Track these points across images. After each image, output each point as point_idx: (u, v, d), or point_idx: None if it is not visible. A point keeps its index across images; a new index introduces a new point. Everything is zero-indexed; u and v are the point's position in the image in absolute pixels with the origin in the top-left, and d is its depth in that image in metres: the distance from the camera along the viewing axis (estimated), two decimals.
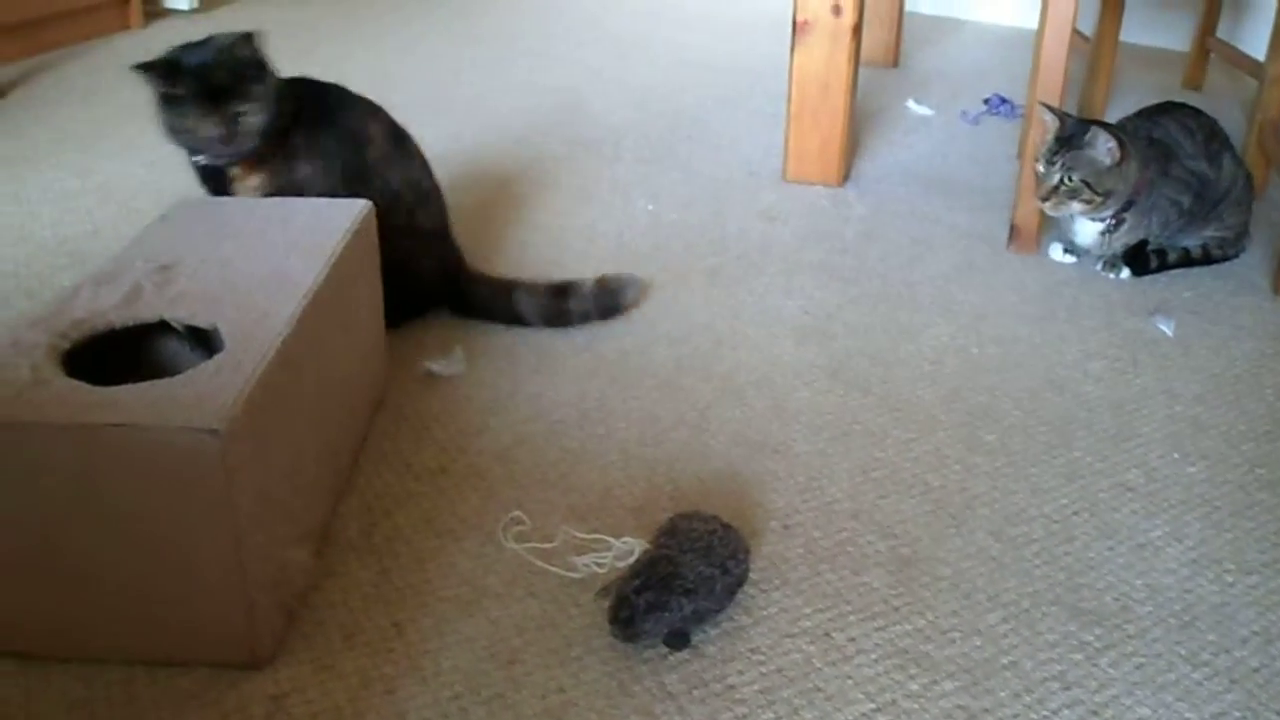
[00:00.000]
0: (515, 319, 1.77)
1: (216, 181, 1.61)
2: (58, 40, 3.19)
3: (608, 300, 1.78)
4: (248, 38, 1.55)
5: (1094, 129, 1.87)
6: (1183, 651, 1.17)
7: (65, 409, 1.03)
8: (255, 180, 1.60)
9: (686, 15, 3.73)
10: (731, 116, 2.77)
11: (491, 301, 1.78)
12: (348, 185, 1.62)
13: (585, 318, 1.77)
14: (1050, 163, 1.90)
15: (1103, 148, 1.86)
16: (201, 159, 1.58)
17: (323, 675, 1.12)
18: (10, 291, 1.83)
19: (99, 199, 2.21)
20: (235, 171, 1.59)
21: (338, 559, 1.27)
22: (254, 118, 1.54)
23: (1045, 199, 1.91)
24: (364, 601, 1.21)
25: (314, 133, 1.63)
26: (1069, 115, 1.93)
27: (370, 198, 1.53)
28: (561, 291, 1.76)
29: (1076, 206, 1.90)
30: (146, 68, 1.52)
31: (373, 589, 1.23)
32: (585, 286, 1.76)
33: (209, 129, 1.52)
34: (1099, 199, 1.88)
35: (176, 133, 1.55)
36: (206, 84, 1.51)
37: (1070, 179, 1.87)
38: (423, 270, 1.74)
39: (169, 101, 1.53)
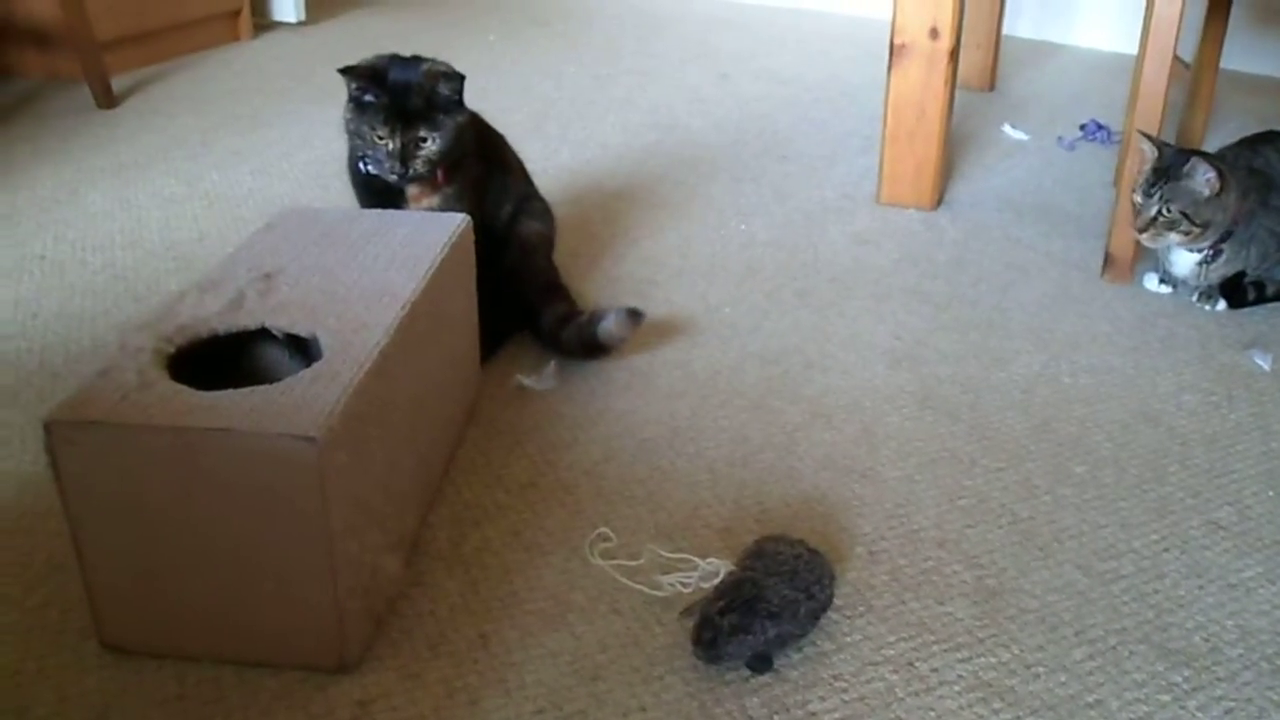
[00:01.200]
0: (535, 331, 1.76)
1: (383, 194, 1.64)
2: (171, 51, 3.27)
3: (587, 337, 1.69)
4: (455, 75, 1.60)
5: (1193, 159, 1.84)
6: (1275, 697, 1.15)
7: (167, 412, 1.06)
8: (431, 202, 1.65)
9: (784, 36, 3.74)
10: (826, 138, 2.77)
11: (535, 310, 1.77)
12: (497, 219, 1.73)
13: (571, 351, 1.71)
14: (1148, 194, 1.87)
15: (1201, 179, 1.83)
16: (371, 169, 1.62)
17: (408, 683, 1.13)
18: (119, 295, 1.89)
19: (206, 206, 2.26)
20: (413, 191, 1.64)
21: (426, 568, 1.29)
22: (432, 147, 1.58)
23: (1143, 230, 1.89)
24: (451, 611, 1.23)
25: (483, 170, 1.71)
26: (1168, 145, 1.90)
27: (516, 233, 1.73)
28: (566, 319, 1.72)
29: (1174, 238, 1.88)
30: (351, 71, 1.57)
31: (460, 599, 1.25)
32: (580, 319, 1.71)
33: (389, 144, 1.57)
34: (1197, 230, 1.85)
35: (357, 137, 1.60)
36: (402, 102, 1.56)
37: (1168, 210, 1.85)
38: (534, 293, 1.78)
39: (361, 107, 1.58)
